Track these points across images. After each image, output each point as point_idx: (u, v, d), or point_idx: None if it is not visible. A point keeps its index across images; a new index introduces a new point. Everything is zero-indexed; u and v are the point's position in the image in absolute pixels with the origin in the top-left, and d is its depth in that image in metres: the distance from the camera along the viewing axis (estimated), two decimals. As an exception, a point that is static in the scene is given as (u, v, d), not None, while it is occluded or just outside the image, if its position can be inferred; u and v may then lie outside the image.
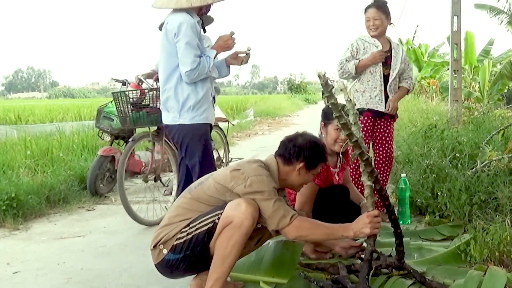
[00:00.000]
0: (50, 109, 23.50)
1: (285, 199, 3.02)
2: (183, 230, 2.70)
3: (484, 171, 4.24)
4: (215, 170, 3.60)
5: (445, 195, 4.16)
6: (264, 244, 3.23)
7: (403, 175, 4.50)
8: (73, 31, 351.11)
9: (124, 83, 6.28)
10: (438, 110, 10.47)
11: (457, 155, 4.81)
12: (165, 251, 2.72)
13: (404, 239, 3.05)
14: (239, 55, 3.78)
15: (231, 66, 3.92)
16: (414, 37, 26.31)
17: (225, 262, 2.64)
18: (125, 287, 3.21)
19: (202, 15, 3.71)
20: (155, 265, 2.83)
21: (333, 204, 3.53)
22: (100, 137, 6.49)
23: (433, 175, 4.53)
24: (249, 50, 3.75)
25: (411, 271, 2.89)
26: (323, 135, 3.64)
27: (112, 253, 3.87)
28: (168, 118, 3.74)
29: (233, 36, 3.70)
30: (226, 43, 3.61)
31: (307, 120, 16.62)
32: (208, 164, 3.71)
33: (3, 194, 4.90)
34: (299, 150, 2.88)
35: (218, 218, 2.65)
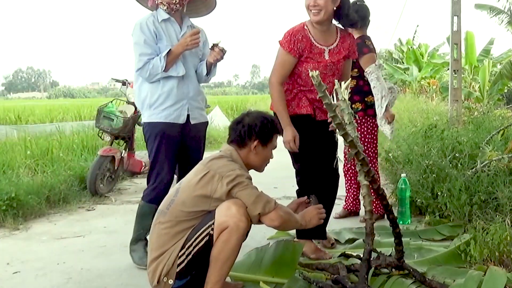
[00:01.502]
0: (50, 109, 23.54)
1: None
2: (181, 254, 2.62)
3: (484, 171, 4.24)
4: (169, 174, 3.59)
5: (445, 195, 4.16)
6: (264, 244, 3.24)
7: (403, 175, 4.51)
8: (73, 31, 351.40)
9: (124, 83, 6.30)
10: (438, 110, 10.47)
11: (457, 155, 4.81)
12: (171, 282, 2.63)
13: (404, 239, 3.06)
14: (213, 52, 3.62)
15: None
16: (414, 37, 26.38)
17: (224, 266, 2.61)
18: (125, 287, 3.21)
19: (173, 10, 3.55)
20: None
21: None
22: (100, 137, 6.51)
23: (433, 175, 4.53)
24: (216, 45, 3.61)
25: (411, 270, 2.89)
26: None
27: (112, 253, 3.86)
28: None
29: (195, 35, 3.48)
30: (185, 40, 3.47)
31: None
32: (157, 166, 3.59)
33: (3, 194, 4.90)
34: (249, 128, 2.83)
35: (212, 229, 2.59)
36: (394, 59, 26.52)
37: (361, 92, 4.45)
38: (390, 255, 3.05)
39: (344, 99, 2.80)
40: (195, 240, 2.61)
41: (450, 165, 4.61)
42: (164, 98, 3.53)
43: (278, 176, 6.25)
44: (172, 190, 2.85)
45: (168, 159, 3.60)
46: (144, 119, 3.61)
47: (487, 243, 3.18)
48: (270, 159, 3.00)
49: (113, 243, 4.10)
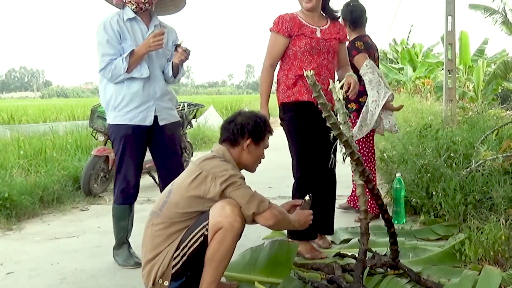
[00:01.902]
0: (43, 109, 23.47)
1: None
2: (175, 255, 2.60)
3: (479, 170, 4.25)
4: (135, 176, 3.59)
5: (440, 194, 4.16)
6: (259, 244, 3.23)
7: (398, 174, 4.51)
8: (66, 31, 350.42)
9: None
10: (432, 110, 10.50)
11: (452, 154, 4.82)
12: (166, 283, 2.61)
13: (399, 238, 3.06)
14: (177, 52, 3.57)
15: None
16: (408, 37, 26.44)
17: (219, 266, 2.60)
18: (119, 288, 3.19)
19: (141, 9, 3.50)
20: None
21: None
22: (94, 137, 6.49)
23: (428, 174, 4.53)
24: (179, 45, 3.55)
25: (406, 270, 2.89)
26: None
27: (106, 253, 3.84)
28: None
29: (159, 36, 3.42)
30: (147, 41, 3.41)
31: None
32: (123, 168, 3.57)
33: (-3, 194, 4.87)
34: (242, 127, 2.83)
35: (207, 229, 2.57)
36: (389, 59, 26.57)
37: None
38: (385, 255, 3.05)
39: (339, 98, 2.80)
40: (189, 241, 2.59)
41: (445, 164, 4.62)
42: (129, 99, 3.47)
43: (273, 176, 6.26)
44: (164, 191, 2.83)
45: (134, 161, 3.58)
46: (109, 120, 3.55)
47: (482, 243, 3.18)
48: (262, 159, 2.99)
49: (107, 244, 4.08)
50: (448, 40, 8.26)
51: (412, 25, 27.17)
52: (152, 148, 3.66)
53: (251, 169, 2.98)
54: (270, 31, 3.65)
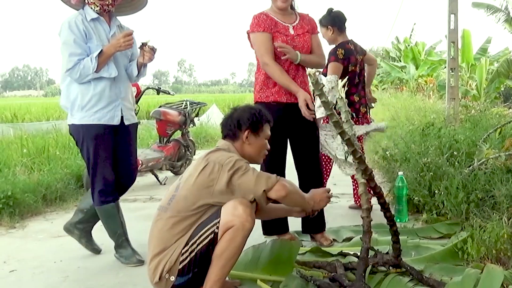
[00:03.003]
0: (46, 107, 23.53)
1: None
2: (184, 251, 2.61)
3: (481, 169, 4.25)
4: (112, 174, 3.59)
5: (442, 193, 4.16)
6: (261, 242, 3.24)
7: (400, 173, 4.51)
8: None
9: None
10: (435, 108, 10.49)
11: (454, 153, 4.82)
12: (172, 278, 2.63)
13: (401, 237, 3.06)
14: (143, 51, 3.55)
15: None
16: (411, 35, 26.38)
17: (226, 264, 2.62)
18: (122, 286, 3.20)
19: (105, 11, 3.51)
20: None
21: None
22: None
23: (430, 173, 4.53)
24: (145, 44, 3.53)
25: (408, 268, 2.90)
26: None
27: (109, 251, 3.85)
28: (67, 117, 3.66)
29: (129, 36, 3.42)
30: (118, 41, 3.40)
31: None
32: (99, 169, 3.56)
33: (0, 192, 4.88)
34: (238, 121, 2.88)
35: (217, 227, 2.59)
36: (391, 57, 26.54)
37: None
38: (387, 253, 3.05)
39: (342, 97, 2.80)
40: (199, 237, 2.61)
41: (447, 163, 4.62)
42: (97, 99, 3.47)
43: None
44: (172, 186, 2.84)
45: (109, 160, 3.59)
46: (75, 121, 3.52)
47: (484, 241, 3.18)
48: (267, 149, 3.02)
49: (110, 241, 4.06)
50: (450, 39, 8.24)
51: (414, 23, 27.10)
52: (116, 146, 3.67)
53: (257, 160, 3.02)
54: (251, 31, 3.74)
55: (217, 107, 17.69)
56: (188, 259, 2.62)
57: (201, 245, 2.61)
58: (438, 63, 19.80)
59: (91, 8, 3.46)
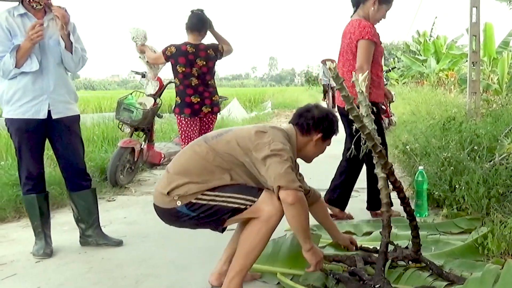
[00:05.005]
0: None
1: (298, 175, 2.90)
2: (207, 193, 2.65)
3: (502, 164, 4.23)
4: (37, 168, 3.67)
5: (463, 188, 4.15)
6: (281, 236, 3.27)
7: (420, 167, 4.50)
8: (93, 23, 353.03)
9: (143, 75, 6.35)
10: (456, 103, 10.39)
11: (475, 147, 4.79)
12: (179, 203, 2.66)
13: (421, 232, 3.07)
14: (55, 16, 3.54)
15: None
16: (432, 28, 26.07)
17: (250, 255, 2.65)
18: (144, 277, 3.26)
19: (33, 8, 3.52)
20: (157, 205, 2.78)
21: None
22: (120, 129, 6.59)
23: (451, 167, 4.52)
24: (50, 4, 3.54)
25: (428, 263, 2.91)
26: (372, 8, 4.13)
27: (132, 243, 3.92)
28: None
29: (37, 27, 3.38)
30: (28, 36, 3.38)
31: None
32: (24, 161, 3.63)
33: (26, 185, 4.96)
34: (318, 121, 2.89)
35: (250, 205, 2.62)
36: (412, 51, 26.27)
37: None
38: (407, 248, 3.06)
39: (362, 91, 2.82)
40: (229, 197, 2.64)
41: (468, 157, 4.60)
42: (21, 94, 3.51)
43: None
44: (225, 129, 2.90)
45: (33, 153, 3.64)
46: (4, 114, 3.61)
47: (505, 237, 3.18)
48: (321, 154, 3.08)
49: (133, 234, 4.16)
50: (472, 32, 8.16)
51: (436, 17, 26.67)
52: (51, 141, 3.74)
53: (309, 160, 3.07)
54: (367, 38, 4.05)
55: (238, 101, 17.71)
56: (205, 202, 2.65)
57: (224, 204, 2.64)
58: (459, 57, 19.53)
59: (32, 5, 3.51)
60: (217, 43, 5.29)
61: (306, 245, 2.72)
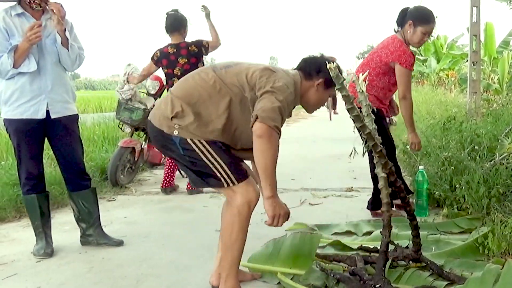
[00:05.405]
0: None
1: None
2: (204, 143, 2.63)
3: (503, 163, 4.23)
4: (36, 167, 3.68)
5: (463, 187, 4.15)
6: (281, 235, 3.27)
7: (421, 167, 4.50)
8: (94, 23, 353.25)
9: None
10: (456, 102, 10.40)
11: (476, 147, 4.79)
12: (176, 133, 2.65)
13: (421, 231, 3.07)
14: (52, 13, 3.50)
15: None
16: (432, 28, 25.99)
17: (233, 248, 2.70)
18: (145, 277, 3.25)
19: (31, 9, 3.52)
20: (154, 124, 2.75)
21: None
22: (121, 129, 6.59)
23: (451, 167, 4.52)
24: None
25: (428, 263, 2.91)
26: (408, 31, 4.24)
27: (132, 243, 3.92)
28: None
29: (36, 28, 3.37)
30: (27, 36, 3.36)
31: (326, 112, 16.52)
32: (23, 162, 3.64)
33: (26, 184, 4.97)
34: (321, 65, 2.87)
35: (228, 185, 2.64)
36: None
37: None
38: (407, 247, 3.06)
39: (362, 91, 2.83)
40: (218, 163, 2.64)
41: (469, 157, 4.60)
42: (18, 94, 3.50)
43: (296, 168, 6.28)
44: (234, 61, 2.90)
45: (32, 153, 3.64)
46: (2, 115, 3.61)
47: (505, 236, 3.18)
48: (322, 105, 3.07)
49: (133, 233, 4.16)
50: (473, 32, 8.16)
51: (436, 17, 26.67)
52: (50, 141, 3.74)
53: (310, 109, 3.05)
54: (406, 68, 4.21)
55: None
56: (197, 150, 2.64)
57: (210, 165, 2.64)
58: (460, 57, 19.54)
59: (32, 6, 3.51)
60: (201, 39, 5.31)
61: (266, 191, 2.62)
